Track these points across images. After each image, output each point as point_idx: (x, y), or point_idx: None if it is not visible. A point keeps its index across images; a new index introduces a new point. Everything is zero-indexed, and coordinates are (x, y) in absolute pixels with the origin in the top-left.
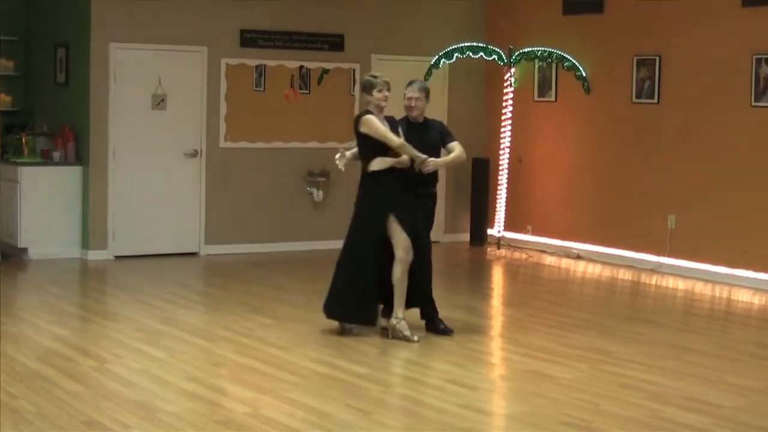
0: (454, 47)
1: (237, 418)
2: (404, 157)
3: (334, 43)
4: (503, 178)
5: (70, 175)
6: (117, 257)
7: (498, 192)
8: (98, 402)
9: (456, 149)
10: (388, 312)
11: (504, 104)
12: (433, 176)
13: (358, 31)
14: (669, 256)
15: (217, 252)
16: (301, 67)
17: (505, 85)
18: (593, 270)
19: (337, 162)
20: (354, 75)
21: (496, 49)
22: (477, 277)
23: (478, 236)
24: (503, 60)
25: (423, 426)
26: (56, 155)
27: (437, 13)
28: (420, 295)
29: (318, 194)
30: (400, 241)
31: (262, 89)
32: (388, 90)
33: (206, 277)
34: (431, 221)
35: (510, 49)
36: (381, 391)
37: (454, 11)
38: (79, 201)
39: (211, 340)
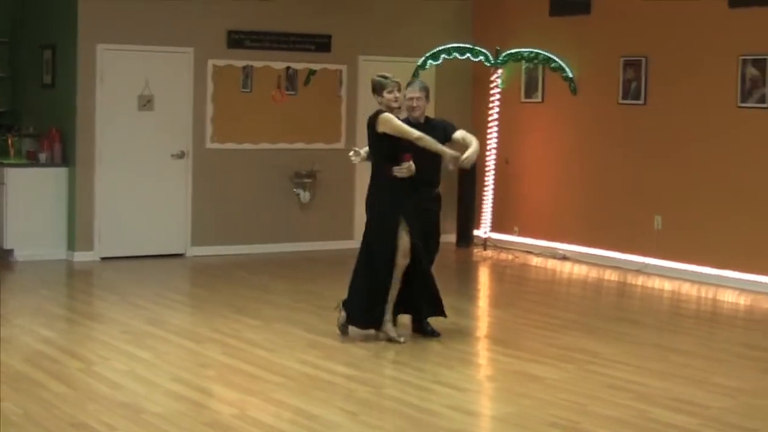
0: (440, 48)
1: (224, 419)
2: (411, 166)
3: (321, 44)
4: (490, 179)
5: (57, 176)
6: (103, 258)
7: (484, 193)
8: (85, 404)
9: (466, 137)
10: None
11: (491, 105)
12: (437, 177)
13: (345, 32)
14: (655, 256)
15: (204, 253)
16: (288, 68)
17: (491, 86)
18: (580, 271)
19: (352, 157)
20: (341, 76)
21: (483, 51)
22: (463, 278)
23: (465, 237)
24: (490, 61)
25: (410, 427)
26: (43, 156)
27: (424, 14)
28: (414, 302)
29: (305, 195)
30: (401, 246)
31: (249, 90)
32: (399, 90)
33: (193, 278)
34: (438, 228)
35: (497, 50)
36: (368, 392)
37: (441, 13)
38: (66, 202)
39: (198, 342)
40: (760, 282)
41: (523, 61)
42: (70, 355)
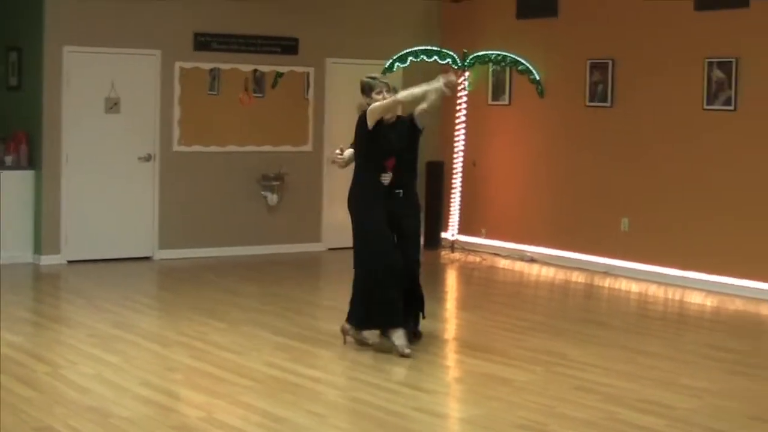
0: (408, 51)
1: (191, 422)
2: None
3: (288, 47)
4: (457, 181)
5: (23, 179)
6: (70, 262)
7: (452, 195)
8: (52, 408)
9: (415, 92)
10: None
11: (458, 108)
12: (414, 182)
13: (312, 34)
14: (622, 258)
15: (171, 256)
16: (256, 70)
17: (459, 88)
18: (547, 273)
19: (337, 157)
20: (308, 79)
21: (450, 53)
22: (431, 280)
23: (433, 240)
24: (457, 64)
25: (378, 430)
26: (9, 159)
27: (391, 17)
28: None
29: (272, 198)
30: (382, 248)
31: (216, 93)
32: (388, 91)
33: (160, 281)
34: (417, 235)
35: (464, 52)
36: (336, 395)
37: (408, 15)
38: (32, 205)
39: (165, 345)
40: (726, 283)
41: (491, 64)
42: (36, 359)
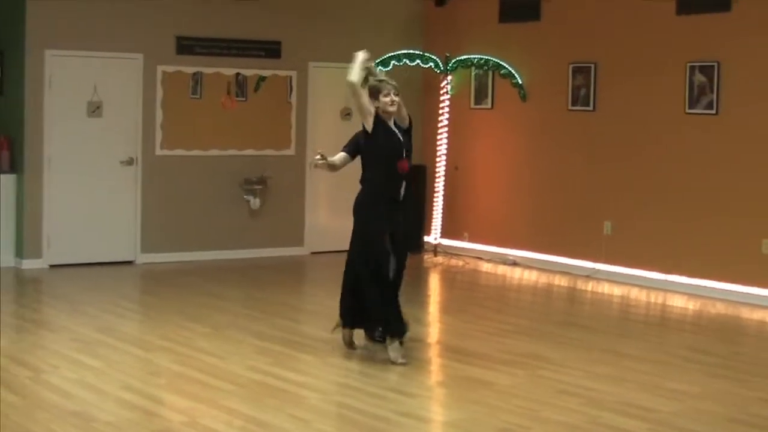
0: (390, 55)
1: (174, 427)
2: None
3: (271, 51)
4: (440, 185)
5: (5, 183)
6: (52, 266)
7: (435, 199)
8: (34, 413)
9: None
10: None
11: (440, 112)
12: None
13: (295, 38)
14: (605, 262)
15: (154, 260)
16: (238, 74)
17: (441, 92)
18: (530, 276)
19: (318, 161)
20: (291, 82)
21: (433, 57)
22: (414, 284)
23: (415, 243)
24: (440, 67)
25: None
26: None
27: (374, 20)
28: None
29: (255, 202)
30: (379, 254)
31: (199, 97)
32: (396, 94)
33: (142, 285)
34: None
35: (447, 56)
36: (319, 399)
37: (391, 19)
38: (14, 209)
39: (148, 350)
40: (708, 287)
41: (473, 68)
42: (18, 364)
